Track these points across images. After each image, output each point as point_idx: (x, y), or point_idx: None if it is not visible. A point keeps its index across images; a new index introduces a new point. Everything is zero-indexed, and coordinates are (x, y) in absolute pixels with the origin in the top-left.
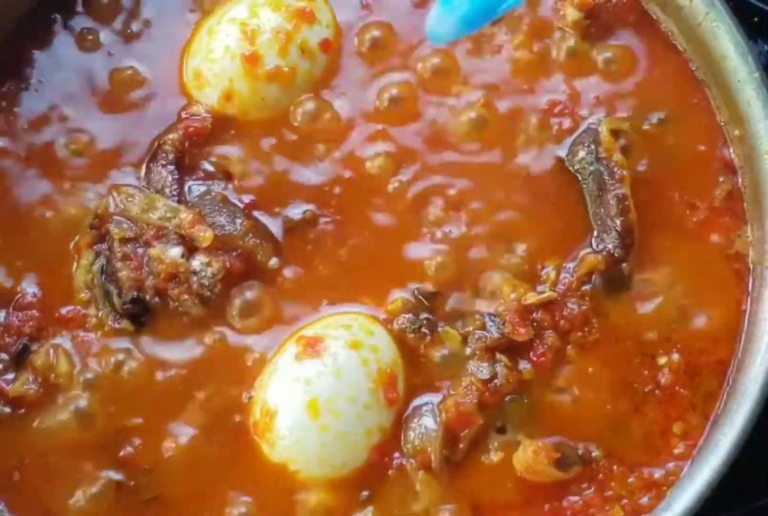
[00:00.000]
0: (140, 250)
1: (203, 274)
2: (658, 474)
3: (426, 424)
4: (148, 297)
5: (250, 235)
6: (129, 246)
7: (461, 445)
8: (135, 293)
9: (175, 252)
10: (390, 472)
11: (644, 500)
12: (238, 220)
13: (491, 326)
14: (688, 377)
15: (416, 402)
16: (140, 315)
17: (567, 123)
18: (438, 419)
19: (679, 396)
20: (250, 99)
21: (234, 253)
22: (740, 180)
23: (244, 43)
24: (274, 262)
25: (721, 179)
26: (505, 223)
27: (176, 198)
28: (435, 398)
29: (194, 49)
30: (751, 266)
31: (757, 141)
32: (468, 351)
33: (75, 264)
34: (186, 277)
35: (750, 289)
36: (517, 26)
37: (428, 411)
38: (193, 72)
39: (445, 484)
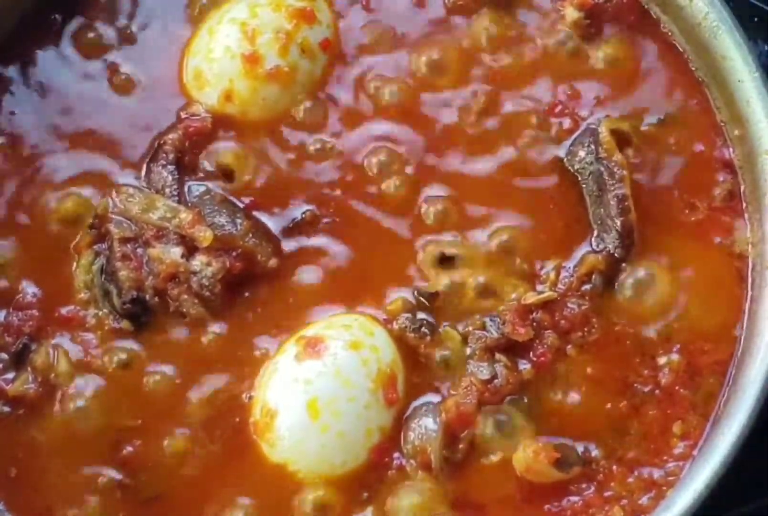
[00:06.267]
0: (140, 250)
1: (203, 274)
2: (658, 474)
3: (426, 424)
4: (147, 297)
5: (250, 235)
6: (129, 246)
7: (461, 446)
8: (135, 293)
9: (175, 252)
10: (390, 472)
11: (644, 500)
12: (238, 220)
13: (491, 326)
14: (688, 377)
15: (416, 402)
16: (140, 315)
17: (567, 123)
18: (438, 419)
19: (679, 396)
20: (250, 99)
21: (234, 253)
22: (740, 180)
23: (244, 43)
24: (273, 262)
25: (721, 179)
26: (505, 223)
27: (176, 198)
28: (435, 398)
29: (194, 49)
30: (751, 266)
31: (757, 141)
32: (468, 351)
33: (75, 264)
34: (186, 277)
35: (750, 288)
36: (516, 26)
37: (428, 411)
38: (193, 72)
39: (444, 484)
